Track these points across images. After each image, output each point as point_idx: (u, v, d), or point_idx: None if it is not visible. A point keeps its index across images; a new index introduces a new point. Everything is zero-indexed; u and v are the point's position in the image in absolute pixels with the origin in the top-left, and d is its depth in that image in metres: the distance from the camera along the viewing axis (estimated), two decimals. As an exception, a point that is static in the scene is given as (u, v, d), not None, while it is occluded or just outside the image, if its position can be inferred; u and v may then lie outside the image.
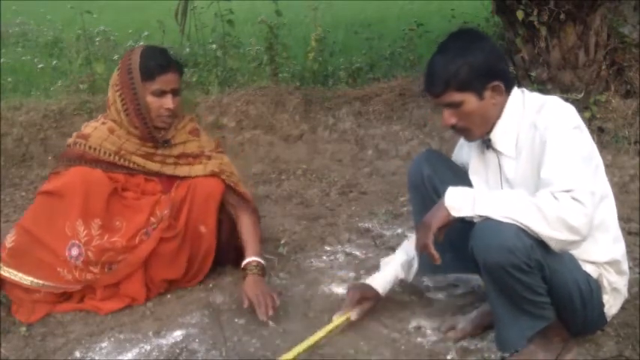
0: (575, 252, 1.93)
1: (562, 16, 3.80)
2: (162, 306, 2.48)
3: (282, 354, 2.08)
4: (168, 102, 2.45)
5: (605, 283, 2.01)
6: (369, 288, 2.29)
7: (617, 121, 3.84)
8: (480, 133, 2.05)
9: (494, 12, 4.36)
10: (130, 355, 2.19)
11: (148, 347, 2.22)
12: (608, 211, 2.03)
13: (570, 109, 1.99)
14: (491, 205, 1.83)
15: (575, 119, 1.96)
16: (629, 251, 2.82)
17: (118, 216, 2.44)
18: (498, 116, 2.03)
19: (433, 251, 1.91)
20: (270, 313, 2.28)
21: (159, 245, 2.45)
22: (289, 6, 5.71)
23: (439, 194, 2.13)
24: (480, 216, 1.84)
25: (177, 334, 2.29)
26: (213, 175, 2.57)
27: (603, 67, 3.97)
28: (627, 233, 3.06)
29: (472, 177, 2.17)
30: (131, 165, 2.52)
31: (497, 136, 2.05)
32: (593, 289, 1.97)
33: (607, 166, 2.06)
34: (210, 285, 2.61)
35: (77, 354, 2.21)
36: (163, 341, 2.25)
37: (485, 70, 1.96)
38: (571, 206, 1.76)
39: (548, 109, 1.98)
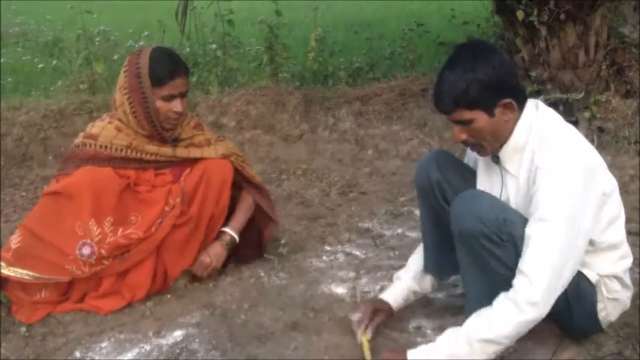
0: None
1: (562, 16, 3.80)
2: (162, 306, 2.48)
3: (283, 354, 2.08)
4: (178, 105, 2.46)
5: (603, 290, 1.99)
6: (382, 302, 2.24)
7: (617, 121, 3.84)
8: (493, 149, 1.99)
9: (494, 12, 4.36)
10: (130, 355, 2.19)
11: (148, 347, 2.22)
12: (618, 233, 2.00)
13: (572, 155, 1.86)
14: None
15: (578, 186, 1.83)
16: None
17: (133, 211, 2.45)
18: (511, 133, 1.95)
19: None
20: (202, 274, 2.55)
21: (172, 232, 2.47)
22: (289, 6, 5.71)
23: (448, 201, 2.12)
24: None
25: (177, 334, 2.29)
26: (224, 157, 2.62)
27: (603, 67, 3.97)
28: (627, 233, 3.04)
29: (479, 188, 2.11)
30: (144, 156, 2.53)
31: (506, 154, 1.98)
32: (582, 290, 1.95)
33: (607, 166, 2.04)
34: (210, 285, 2.61)
35: (77, 354, 2.21)
36: (163, 341, 2.25)
37: (496, 87, 1.88)
38: (520, 321, 1.80)
39: (549, 148, 1.87)
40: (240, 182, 2.71)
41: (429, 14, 7.29)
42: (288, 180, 3.92)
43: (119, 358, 2.18)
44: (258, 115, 4.42)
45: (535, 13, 3.83)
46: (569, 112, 3.86)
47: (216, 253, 2.59)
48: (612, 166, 3.53)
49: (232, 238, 2.64)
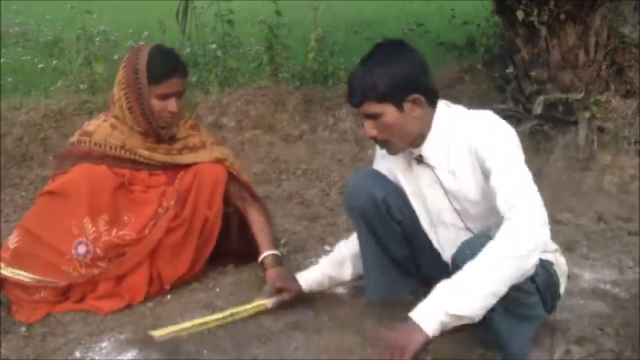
0: None
1: (562, 16, 3.80)
2: (162, 306, 2.48)
3: (283, 354, 2.08)
4: (172, 105, 2.46)
5: (557, 268, 2.02)
6: (294, 280, 2.34)
7: (617, 121, 3.84)
8: (402, 147, 2.03)
9: (494, 12, 4.37)
10: (129, 355, 2.19)
11: (148, 347, 2.22)
12: None
13: (508, 128, 1.95)
14: (460, 299, 1.71)
15: (515, 139, 1.93)
16: (629, 251, 2.83)
17: (125, 211, 2.45)
18: (427, 131, 2.00)
19: None
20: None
21: (166, 235, 2.46)
22: (289, 6, 5.70)
23: (395, 218, 2.15)
24: (458, 316, 1.72)
25: (177, 334, 2.29)
26: (217, 161, 2.60)
27: (603, 67, 3.97)
28: (627, 233, 3.06)
29: (412, 199, 2.14)
30: (137, 158, 2.52)
31: (428, 151, 2.02)
32: (551, 275, 1.99)
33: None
34: (210, 285, 2.61)
35: (77, 354, 2.21)
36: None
37: (405, 82, 1.94)
38: (529, 228, 1.75)
39: (487, 126, 1.95)
40: (241, 194, 2.68)
41: (429, 14, 7.29)
42: (288, 180, 3.92)
43: (119, 358, 2.18)
44: (258, 115, 4.42)
45: (535, 13, 3.82)
46: (569, 112, 3.86)
47: (278, 274, 2.49)
48: (612, 166, 3.54)
49: (274, 255, 2.57)
